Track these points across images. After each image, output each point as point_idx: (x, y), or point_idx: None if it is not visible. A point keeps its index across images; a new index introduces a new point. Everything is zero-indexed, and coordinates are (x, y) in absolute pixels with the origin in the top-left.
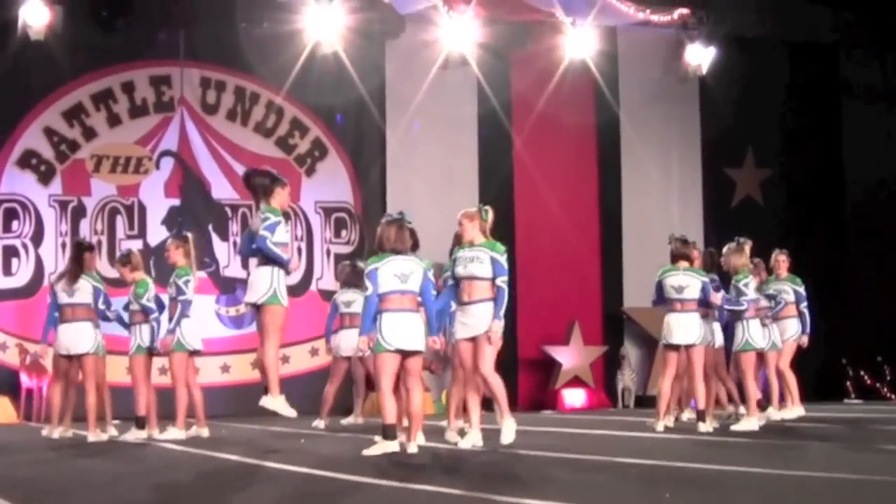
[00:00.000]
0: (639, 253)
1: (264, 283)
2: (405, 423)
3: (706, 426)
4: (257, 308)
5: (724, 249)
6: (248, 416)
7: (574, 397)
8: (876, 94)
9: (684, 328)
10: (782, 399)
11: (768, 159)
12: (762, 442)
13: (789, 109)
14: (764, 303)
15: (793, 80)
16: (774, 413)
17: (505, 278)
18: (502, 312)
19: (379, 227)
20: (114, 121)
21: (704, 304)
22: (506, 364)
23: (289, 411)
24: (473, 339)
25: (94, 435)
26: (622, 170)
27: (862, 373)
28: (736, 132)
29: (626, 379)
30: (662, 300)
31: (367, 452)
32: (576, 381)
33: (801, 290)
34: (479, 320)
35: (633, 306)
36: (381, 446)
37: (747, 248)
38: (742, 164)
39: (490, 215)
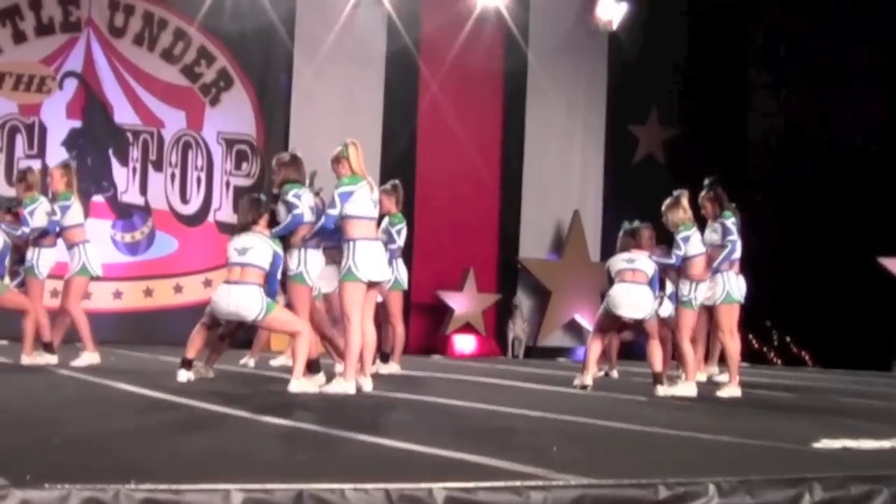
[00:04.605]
0: (537, 203)
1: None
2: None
3: (662, 390)
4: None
5: (663, 207)
6: (139, 344)
7: (464, 343)
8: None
9: (634, 302)
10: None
11: (672, 118)
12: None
13: (695, 70)
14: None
15: (700, 41)
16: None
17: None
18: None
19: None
20: (19, 38)
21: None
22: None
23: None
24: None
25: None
26: (526, 120)
27: (750, 336)
28: (641, 89)
29: (518, 329)
30: (610, 280)
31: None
32: (467, 328)
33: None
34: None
35: (529, 256)
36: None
37: (684, 199)
38: (646, 122)
39: (350, 150)
